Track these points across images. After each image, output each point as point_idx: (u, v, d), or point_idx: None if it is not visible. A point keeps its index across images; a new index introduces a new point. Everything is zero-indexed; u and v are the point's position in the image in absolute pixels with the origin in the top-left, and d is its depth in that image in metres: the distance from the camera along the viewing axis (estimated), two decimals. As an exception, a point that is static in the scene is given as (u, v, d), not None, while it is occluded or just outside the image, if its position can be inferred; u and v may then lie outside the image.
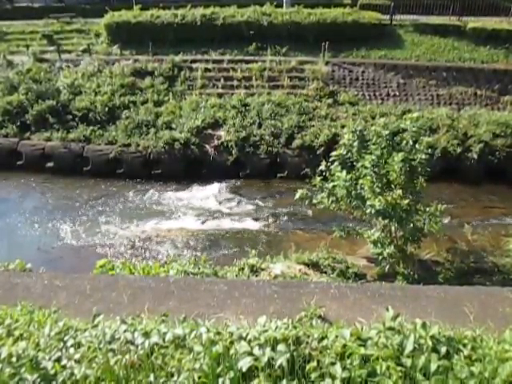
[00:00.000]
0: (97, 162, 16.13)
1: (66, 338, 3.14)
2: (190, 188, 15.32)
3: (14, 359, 2.91)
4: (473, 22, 21.74)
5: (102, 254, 11.34)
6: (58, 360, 2.95)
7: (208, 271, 6.32)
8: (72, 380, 2.82)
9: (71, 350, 3.03)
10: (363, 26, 21.11)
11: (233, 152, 16.05)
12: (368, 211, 8.46)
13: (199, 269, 6.23)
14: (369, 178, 8.42)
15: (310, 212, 13.21)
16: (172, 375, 2.83)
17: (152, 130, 16.68)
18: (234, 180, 15.72)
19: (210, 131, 16.75)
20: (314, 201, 9.25)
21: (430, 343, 2.77)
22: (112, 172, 15.90)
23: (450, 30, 21.66)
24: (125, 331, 3.13)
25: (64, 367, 2.91)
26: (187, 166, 15.91)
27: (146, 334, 3.08)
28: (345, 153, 9.07)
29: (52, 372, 2.86)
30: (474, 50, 20.84)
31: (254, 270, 7.41)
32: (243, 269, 7.32)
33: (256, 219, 13.42)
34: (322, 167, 9.23)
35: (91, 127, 16.99)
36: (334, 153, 9.30)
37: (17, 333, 3.25)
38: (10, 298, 4.11)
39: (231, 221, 13.40)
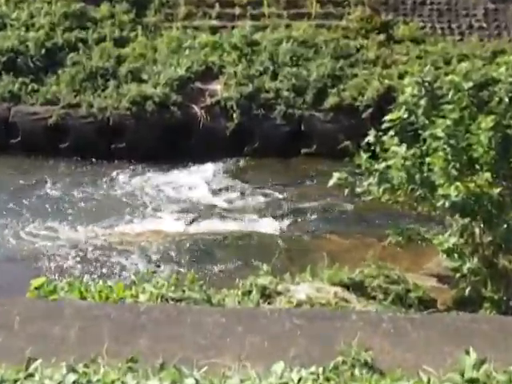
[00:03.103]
0: (29, 131, 16.24)
1: (-14, 394, 3.20)
2: (169, 170, 15.38)
3: None
4: None
5: (38, 269, 11.44)
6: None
7: (197, 296, 6.36)
8: None
9: (-5, 411, 3.08)
10: None
11: (234, 116, 16.08)
12: (440, 204, 8.45)
13: (184, 292, 6.27)
14: (442, 154, 8.39)
15: (351, 206, 13.20)
16: None
17: (112, 83, 16.77)
18: (235, 158, 15.80)
19: (199, 84, 16.81)
20: (358, 189, 9.25)
21: (531, 402, 2.78)
22: (52, 146, 16.03)
23: None
24: (74, 383, 3.18)
25: None
26: (165, 136, 15.94)
27: (106, 388, 3.13)
28: (405, 116, 9.03)
29: None
30: None
31: (267, 295, 7.46)
32: (250, 292, 7.36)
33: (269, 218, 13.46)
34: (370, 138, 9.21)
35: (21, 79, 17.06)
36: (388, 116, 9.27)
37: None
38: None
39: (232, 220, 13.45)
